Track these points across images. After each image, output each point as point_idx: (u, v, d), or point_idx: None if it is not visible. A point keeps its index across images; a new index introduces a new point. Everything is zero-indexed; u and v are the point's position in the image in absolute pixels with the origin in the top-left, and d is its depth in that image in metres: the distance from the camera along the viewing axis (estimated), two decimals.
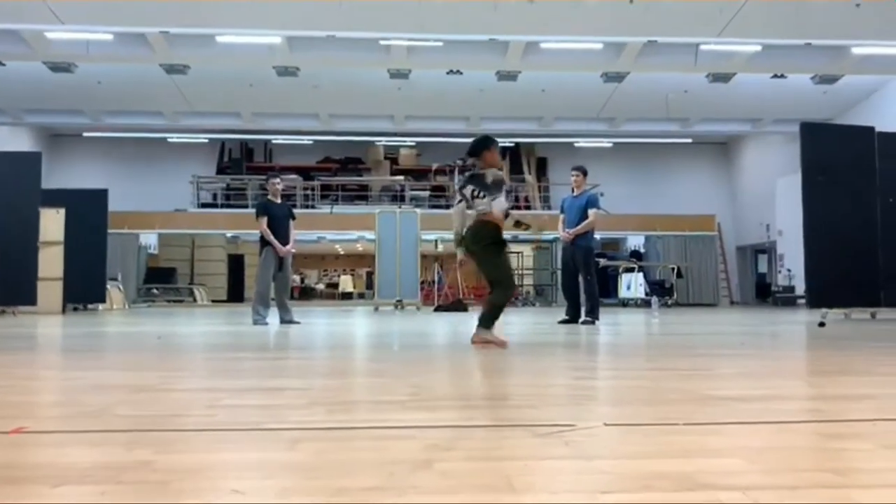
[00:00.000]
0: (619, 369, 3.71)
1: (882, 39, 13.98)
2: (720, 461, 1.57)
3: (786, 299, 19.35)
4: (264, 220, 8.28)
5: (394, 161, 25.16)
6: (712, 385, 2.96)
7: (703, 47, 14.57)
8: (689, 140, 23.44)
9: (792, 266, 19.01)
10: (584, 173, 8.66)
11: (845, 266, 9.80)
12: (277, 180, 8.67)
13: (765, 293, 22.77)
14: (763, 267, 24.86)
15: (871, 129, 10.61)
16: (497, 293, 4.86)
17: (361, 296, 32.85)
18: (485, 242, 4.84)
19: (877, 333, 6.83)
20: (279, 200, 8.59)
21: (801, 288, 14.86)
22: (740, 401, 2.52)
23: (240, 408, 2.34)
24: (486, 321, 4.79)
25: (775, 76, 16.26)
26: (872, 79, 17.05)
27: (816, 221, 9.90)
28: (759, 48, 14.76)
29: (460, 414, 2.22)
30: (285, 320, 8.28)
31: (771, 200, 21.12)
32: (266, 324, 8.00)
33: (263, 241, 8.34)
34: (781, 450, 1.72)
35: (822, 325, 8.29)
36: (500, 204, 4.87)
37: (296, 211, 9.07)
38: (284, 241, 8.35)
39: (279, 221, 8.38)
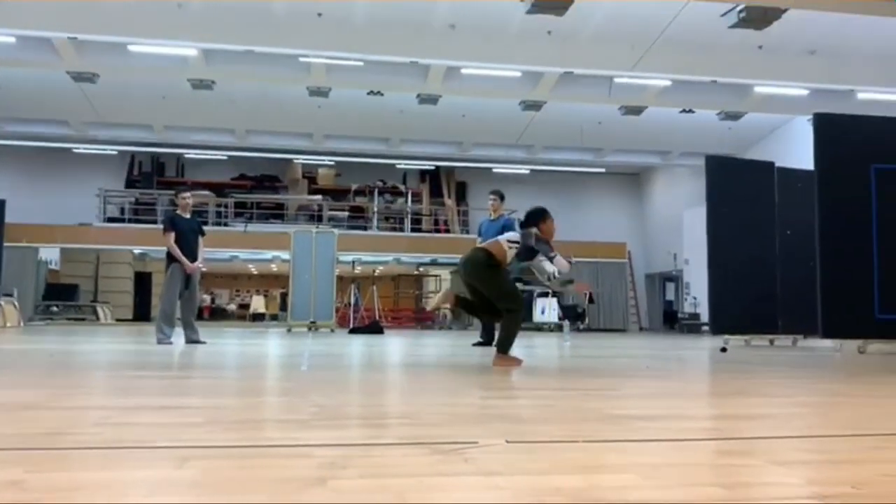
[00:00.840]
0: (528, 389, 3.73)
1: (782, 80, 14.81)
2: (615, 476, 1.58)
3: (691, 326, 20.05)
4: (171, 236, 7.99)
5: (312, 180, 24.86)
6: (615, 405, 3.00)
7: (616, 80, 15.07)
8: (603, 170, 24.13)
9: (697, 294, 19.75)
10: (502, 197, 8.78)
11: (746, 295, 10.23)
12: (187, 194, 8.39)
13: (672, 320, 23.53)
14: (670, 294, 25.72)
15: (772, 164, 11.18)
16: (506, 319, 5.04)
17: (274, 317, 32.13)
18: (481, 268, 5.01)
19: (774, 359, 7.14)
20: (188, 215, 8.31)
21: (705, 315, 15.43)
22: (641, 419, 2.56)
23: (129, 426, 2.21)
24: (503, 346, 5.00)
25: (684, 111, 16.96)
26: (774, 117, 18.02)
27: (719, 251, 10.32)
28: (668, 83, 15.38)
29: (362, 432, 2.17)
30: (191, 340, 7.98)
31: (678, 230, 21.93)
32: (170, 343, 7.69)
33: (170, 257, 8.03)
34: (676, 466, 1.75)
35: (724, 350, 8.62)
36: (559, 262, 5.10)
37: (208, 228, 8.80)
38: (192, 258, 8.07)
39: (187, 237, 8.09)
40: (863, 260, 7.93)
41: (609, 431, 2.25)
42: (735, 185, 10.61)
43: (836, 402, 3.27)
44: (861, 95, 14.97)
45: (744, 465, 1.77)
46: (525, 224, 5.18)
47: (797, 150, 14.54)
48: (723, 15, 9.73)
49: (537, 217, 5.16)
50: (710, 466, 1.78)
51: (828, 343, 9.28)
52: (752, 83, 15.29)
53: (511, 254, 5.04)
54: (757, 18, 9.41)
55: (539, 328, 19.67)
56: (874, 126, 8.50)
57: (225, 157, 23.12)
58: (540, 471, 1.67)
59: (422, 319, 23.35)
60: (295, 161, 24.12)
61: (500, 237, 5.26)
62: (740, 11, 9.33)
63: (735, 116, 17.14)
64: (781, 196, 10.68)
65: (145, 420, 2.35)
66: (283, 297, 25.51)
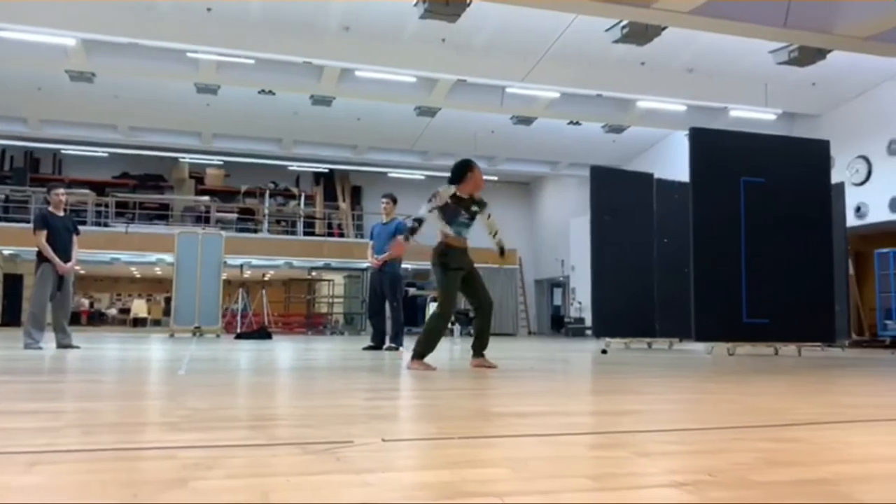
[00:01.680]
0: (412, 390, 3.73)
1: (662, 96, 15.56)
2: (485, 471, 1.60)
3: (576, 330, 20.71)
4: (43, 234, 7.52)
5: (199, 180, 24.03)
6: (495, 402, 3.05)
7: (508, 90, 15.40)
8: (495, 178, 24.55)
9: (582, 299, 20.43)
10: (394, 201, 8.78)
11: (626, 300, 10.69)
12: (61, 191, 7.91)
13: (559, 324, 24.23)
14: (558, 299, 26.48)
15: (651, 175, 11.74)
16: (432, 317, 5.12)
17: (157, 322, 30.81)
18: (434, 262, 5.14)
19: (650, 360, 7.46)
20: (62, 213, 7.85)
21: (590, 319, 15.97)
22: (518, 416, 2.60)
23: None
24: (416, 353, 4.99)
25: (571, 122, 17.53)
26: (654, 131, 18.90)
27: (602, 258, 10.74)
28: (557, 95, 15.86)
29: (234, 434, 2.10)
30: (62, 344, 7.52)
31: (566, 238, 22.63)
32: (40, 348, 7.23)
33: (41, 257, 7.55)
34: (546, 459, 1.79)
35: (604, 352, 8.93)
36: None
37: (87, 228, 8.35)
38: (66, 258, 7.62)
39: (60, 235, 7.63)
40: (732, 268, 8.44)
41: (485, 428, 2.28)
42: (617, 194, 11.07)
43: (701, 399, 3.44)
44: (733, 113, 15.93)
45: (611, 457, 1.83)
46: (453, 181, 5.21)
47: (675, 163, 15.31)
48: (607, 30, 10.12)
49: (457, 176, 5.21)
50: (579, 459, 1.83)
51: (700, 346, 9.80)
52: (635, 98, 15.99)
53: (450, 230, 5.13)
54: (639, 34, 9.84)
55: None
56: (744, 141, 9.07)
57: (106, 155, 21.99)
58: (411, 467, 1.66)
59: (313, 325, 22.99)
60: (181, 160, 23.25)
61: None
62: (623, 27, 9.73)
63: (618, 129, 17.86)
64: (660, 206, 11.23)
65: None
66: (167, 301, 24.51)
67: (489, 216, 5.41)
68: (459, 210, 5.14)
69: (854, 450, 2.04)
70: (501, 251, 5.49)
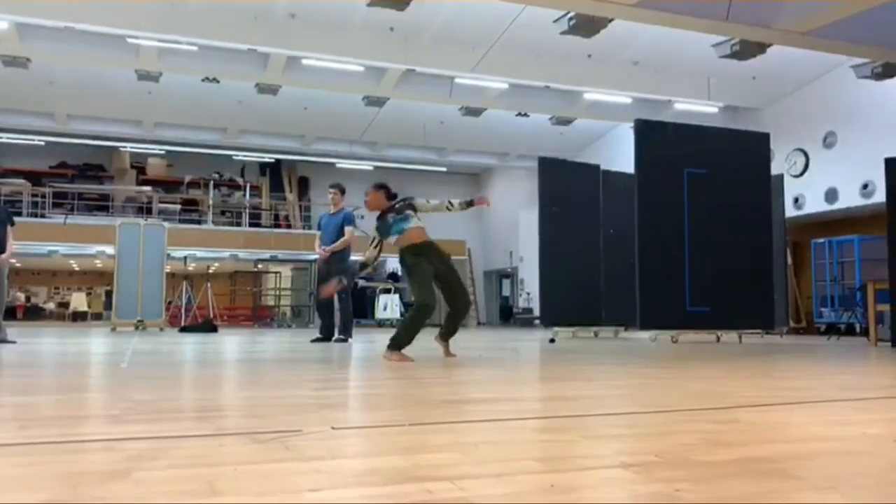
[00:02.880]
0: (361, 380, 3.71)
1: (608, 88, 15.75)
2: (437, 456, 1.59)
3: (525, 320, 20.90)
4: None
5: (141, 170, 23.40)
6: (446, 391, 3.05)
7: (457, 81, 15.37)
8: (445, 169, 24.58)
9: (531, 289, 20.62)
10: (342, 191, 8.69)
11: (573, 289, 10.81)
12: None
13: (508, 315, 24.42)
14: (507, 290, 26.67)
15: (597, 166, 11.88)
16: (411, 308, 5.10)
17: (98, 316, 29.97)
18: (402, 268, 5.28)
19: (596, 348, 7.57)
20: None
21: (538, 309, 16.12)
22: (468, 403, 2.61)
23: None
24: (393, 343, 4.95)
25: (519, 114, 17.60)
26: (601, 123, 19.12)
27: (549, 249, 10.83)
28: (506, 86, 15.90)
29: (179, 425, 2.06)
30: None
31: (515, 229, 22.78)
32: None
33: None
34: (496, 443, 1.79)
35: (552, 341, 9.04)
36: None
37: (23, 220, 8.07)
38: (0, 250, 7.35)
39: None
40: (676, 257, 8.61)
41: (436, 415, 2.28)
42: (565, 186, 11.17)
43: (646, 385, 3.50)
44: (678, 106, 16.23)
45: (559, 441, 1.85)
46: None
47: (621, 155, 15.54)
48: (555, 21, 10.18)
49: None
50: (529, 443, 1.85)
51: (645, 334, 10.00)
52: (582, 90, 16.14)
53: (393, 238, 5.25)
54: (585, 26, 9.92)
55: (381, 324, 19.71)
56: (688, 133, 9.25)
57: (42, 143, 21.23)
58: (362, 454, 1.65)
59: (260, 317, 22.69)
60: (122, 149, 22.60)
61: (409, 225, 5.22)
62: (570, 19, 9.81)
63: (566, 121, 18.02)
64: (606, 197, 11.37)
65: None
66: (108, 294, 23.87)
67: (428, 202, 5.46)
68: (387, 221, 5.27)
69: (793, 430, 2.10)
70: (469, 203, 5.55)
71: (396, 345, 4.96)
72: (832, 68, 14.31)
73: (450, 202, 5.54)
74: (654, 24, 10.80)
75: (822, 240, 14.84)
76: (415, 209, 5.31)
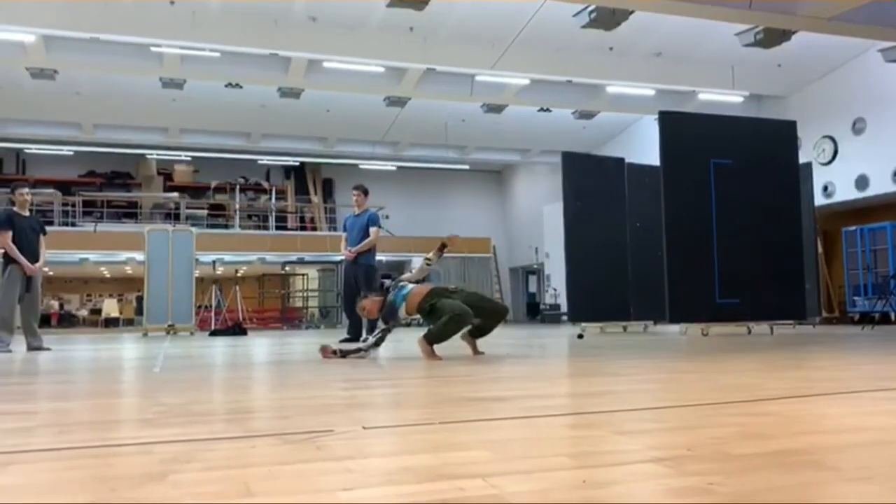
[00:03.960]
0: (389, 379, 3.72)
1: (631, 81, 15.63)
2: (467, 453, 1.60)
3: (552, 316, 20.82)
4: (8, 235, 7.37)
5: (168, 177, 23.70)
6: (474, 389, 3.05)
7: (478, 78, 15.35)
8: (467, 167, 24.56)
9: (557, 285, 20.53)
10: (365, 192, 8.72)
11: (600, 284, 10.75)
12: (25, 190, 7.75)
13: (534, 311, 24.35)
14: (533, 287, 26.60)
15: (622, 160, 11.80)
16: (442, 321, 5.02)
17: (130, 322, 30.36)
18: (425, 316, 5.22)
19: (625, 343, 7.53)
20: (27, 213, 7.71)
21: (565, 305, 16.06)
22: (496, 401, 2.61)
23: None
24: (428, 337, 4.98)
25: (541, 109, 17.54)
26: (624, 116, 18.99)
27: (575, 244, 10.78)
28: (527, 82, 15.85)
29: (211, 428, 2.08)
30: (33, 346, 7.40)
31: (539, 225, 22.70)
32: (9, 351, 7.10)
33: (8, 259, 7.42)
34: (525, 440, 1.79)
35: (580, 337, 9.00)
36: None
37: (54, 229, 8.20)
38: (34, 259, 7.49)
39: (26, 236, 7.49)
40: (704, 249, 8.53)
41: (464, 413, 2.28)
42: (589, 180, 11.12)
43: (677, 379, 3.48)
44: (701, 96, 16.06)
45: (589, 436, 1.85)
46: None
47: (646, 147, 15.42)
48: (575, 15, 10.13)
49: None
50: (558, 439, 1.84)
51: (675, 328, 9.92)
52: (604, 83, 16.03)
53: (403, 308, 5.28)
54: (606, 19, 9.86)
55: (408, 323, 19.74)
56: (712, 124, 9.16)
57: (71, 153, 21.59)
58: (392, 453, 1.66)
59: (288, 319, 22.86)
60: (149, 157, 22.91)
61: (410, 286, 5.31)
62: (591, 12, 9.75)
63: (589, 115, 17.91)
64: (631, 190, 11.29)
65: None
66: (139, 300, 24.20)
67: (412, 272, 5.67)
68: (390, 307, 5.27)
69: (827, 421, 2.07)
70: (443, 246, 5.62)
71: (429, 340, 4.99)
72: (859, 53, 14.06)
73: (427, 259, 5.62)
74: (677, 14, 10.70)
75: (853, 228, 14.60)
76: (406, 281, 5.43)
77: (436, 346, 5.01)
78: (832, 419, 2.11)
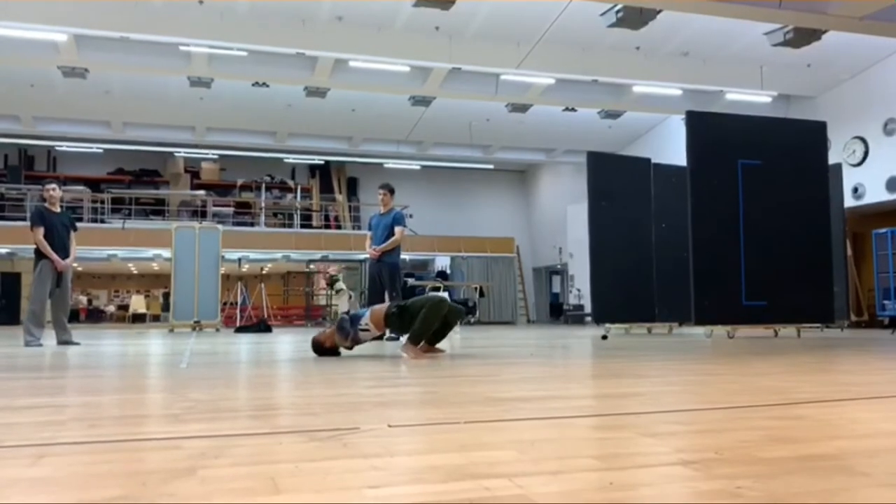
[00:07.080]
0: (413, 378, 3.73)
1: (657, 80, 15.52)
2: (493, 453, 1.60)
3: (576, 317, 20.73)
4: (40, 231, 7.50)
5: (195, 175, 23.99)
6: (498, 388, 3.05)
7: (503, 77, 15.34)
8: (491, 166, 24.55)
9: (581, 286, 20.43)
10: (391, 191, 8.76)
11: (625, 285, 10.68)
12: (54, 186, 7.88)
13: (558, 312, 24.25)
14: (556, 287, 26.50)
15: (648, 160, 11.71)
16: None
17: (156, 318, 30.77)
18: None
19: (650, 345, 7.47)
20: (58, 209, 7.83)
21: (589, 306, 15.99)
22: (522, 401, 2.61)
23: None
24: (414, 338, 5.08)
25: (566, 109, 17.47)
26: (651, 115, 18.86)
27: (600, 244, 10.71)
28: (552, 81, 15.80)
29: (238, 424, 2.10)
30: (63, 341, 7.53)
31: (563, 225, 22.62)
32: (40, 345, 7.23)
33: (39, 254, 7.55)
34: (552, 441, 1.79)
35: (605, 338, 8.95)
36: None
37: (84, 225, 8.32)
38: (64, 254, 7.62)
39: (58, 232, 7.62)
40: (731, 250, 8.44)
41: (491, 413, 2.28)
42: (614, 180, 11.04)
43: (704, 381, 3.45)
44: (729, 96, 15.90)
45: (616, 438, 1.84)
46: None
47: (672, 147, 15.30)
48: (602, 14, 10.08)
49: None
50: (584, 440, 1.84)
51: (700, 329, 9.82)
52: (630, 83, 15.94)
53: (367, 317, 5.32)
54: (633, 18, 9.80)
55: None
56: (740, 124, 9.06)
57: (101, 151, 21.93)
58: (418, 451, 1.66)
59: (313, 317, 23.00)
60: (176, 155, 23.19)
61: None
62: (618, 11, 9.69)
63: (614, 115, 17.81)
64: (657, 190, 11.20)
65: (1, 421, 2.18)
66: (166, 296, 24.49)
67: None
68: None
69: (857, 426, 2.04)
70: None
71: (414, 340, 5.08)
72: (891, 52, 13.84)
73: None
74: (706, 13, 10.60)
75: (883, 230, 14.36)
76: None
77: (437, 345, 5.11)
78: (863, 424, 2.08)
